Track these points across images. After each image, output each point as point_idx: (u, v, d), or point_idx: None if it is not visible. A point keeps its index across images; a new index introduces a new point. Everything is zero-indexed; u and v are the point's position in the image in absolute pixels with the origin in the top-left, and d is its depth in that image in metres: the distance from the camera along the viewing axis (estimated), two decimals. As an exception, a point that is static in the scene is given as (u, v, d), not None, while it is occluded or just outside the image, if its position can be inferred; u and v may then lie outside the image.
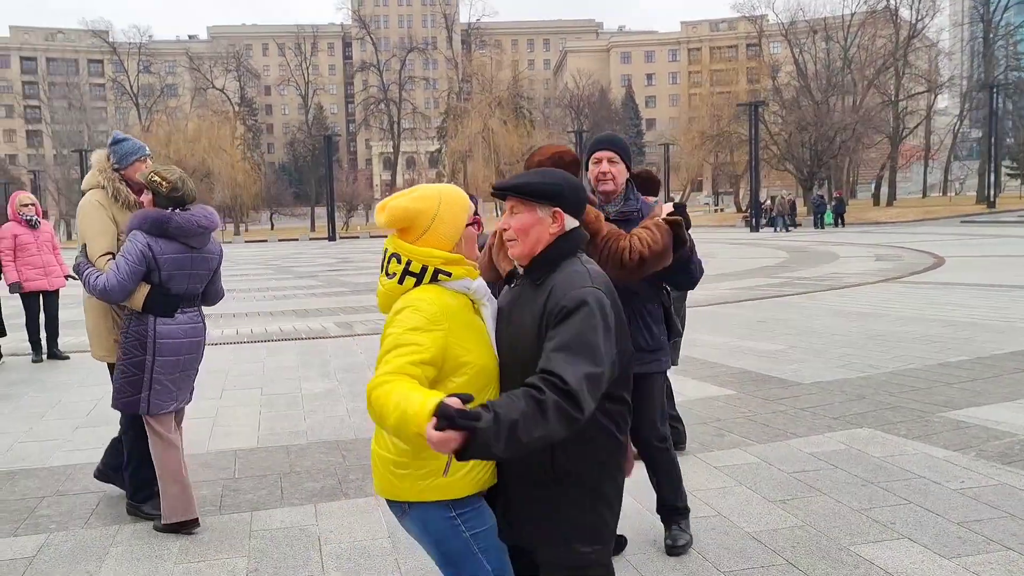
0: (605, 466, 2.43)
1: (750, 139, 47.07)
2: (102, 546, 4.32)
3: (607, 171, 3.91)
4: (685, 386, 7.27)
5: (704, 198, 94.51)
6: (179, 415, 4.74)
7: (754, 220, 44.37)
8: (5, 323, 10.07)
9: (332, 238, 54.08)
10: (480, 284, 2.44)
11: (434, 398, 1.97)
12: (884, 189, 68.31)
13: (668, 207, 3.81)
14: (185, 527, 4.43)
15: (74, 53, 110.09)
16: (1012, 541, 3.96)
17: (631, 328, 3.11)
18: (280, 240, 58.85)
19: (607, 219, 3.78)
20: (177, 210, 4.38)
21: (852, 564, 3.80)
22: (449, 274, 2.37)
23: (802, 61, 67.77)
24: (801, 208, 51.62)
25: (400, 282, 2.36)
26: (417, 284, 2.36)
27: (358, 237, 57.88)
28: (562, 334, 2.20)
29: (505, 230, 2.47)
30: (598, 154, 3.96)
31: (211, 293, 4.68)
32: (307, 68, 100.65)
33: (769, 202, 48.89)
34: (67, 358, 10.01)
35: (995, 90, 50.99)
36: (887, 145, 67.01)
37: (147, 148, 4.85)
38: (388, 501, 2.49)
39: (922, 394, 6.80)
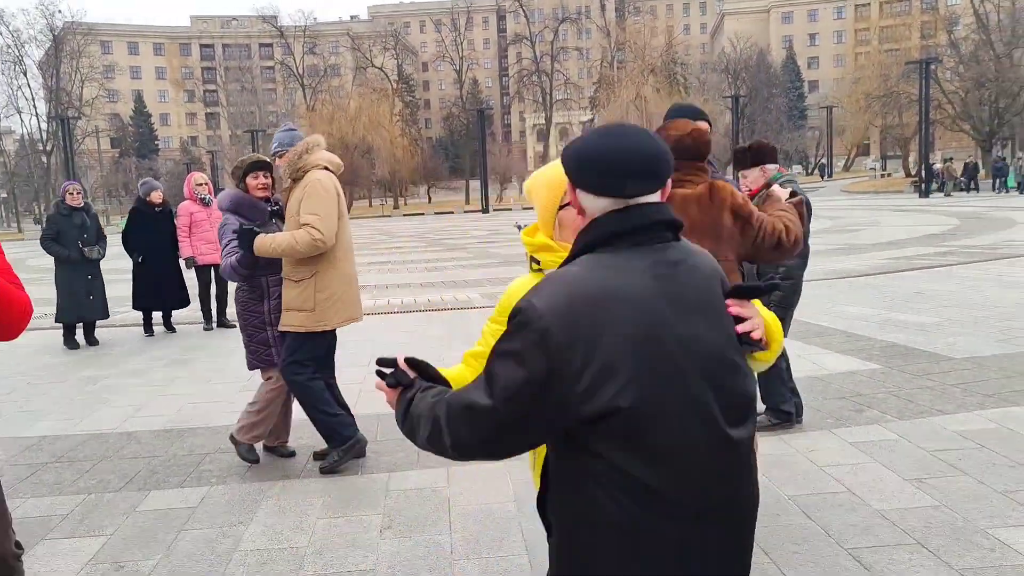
0: (596, 541, 1.65)
1: (920, 98, 44.14)
2: (254, 499, 4.71)
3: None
4: (826, 360, 7.06)
5: (871, 162, 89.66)
6: None
7: (923, 185, 41.76)
8: (188, 293, 10.96)
9: (486, 210, 55.02)
10: None
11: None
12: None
13: (784, 192, 3.81)
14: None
15: (246, 39, 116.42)
16: None
17: None
18: (436, 213, 60.42)
19: None
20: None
21: (988, 547, 3.64)
22: (539, 263, 2.09)
23: (983, 11, 62.64)
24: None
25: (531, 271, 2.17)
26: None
27: (511, 209, 58.61)
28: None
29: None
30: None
31: None
32: (461, 43, 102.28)
33: (940, 165, 45.80)
34: (234, 326, 10.71)
35: None
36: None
37: (272, 148, 5.22)
38: None
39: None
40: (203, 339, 10.27)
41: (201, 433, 6.09)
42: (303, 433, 5.61)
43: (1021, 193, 37.80)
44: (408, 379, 1.87)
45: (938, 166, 45.66)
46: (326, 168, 5.02)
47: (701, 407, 1.61)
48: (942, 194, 40.20)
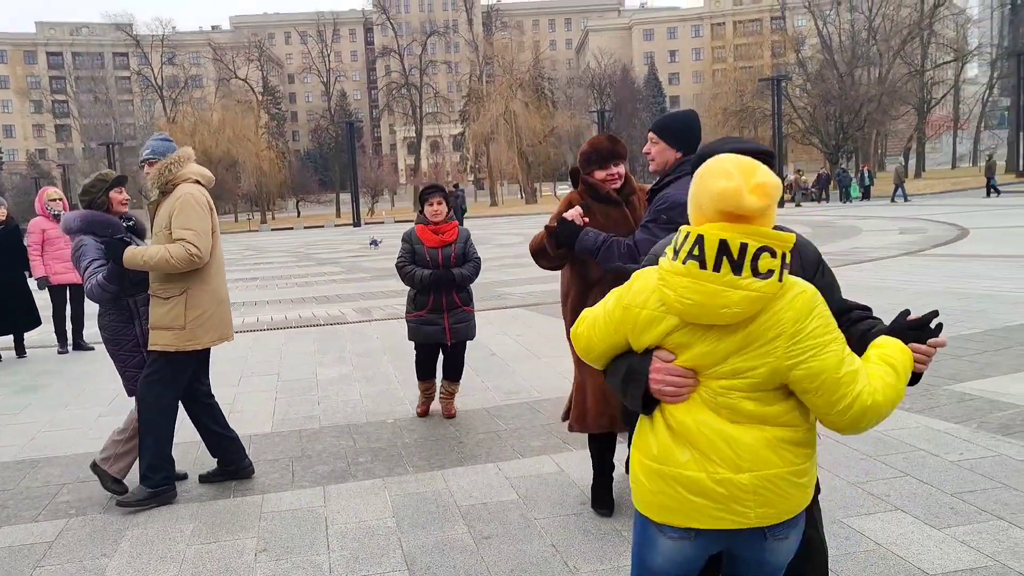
0: None
1: (773, 114, 46.57)
2: (118, 530, 4.49)
3: (647, 150, 4.00)
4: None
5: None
6: None
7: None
8: (39, 314, 10.33)
9: (357, 224, 54.34)
10: None
11: (890, 338, 2.20)
12: (912, 161, 67.41)
13: (573, 212, 4.00)
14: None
15: (99, 47, 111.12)
16: (1003, 511, 4.01)
17: None
18: (306, 227, 59.24)
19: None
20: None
21: (843, 536, 3.87)
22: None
23: (826, 33, 66.82)
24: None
25: (781, 279, 2.00)
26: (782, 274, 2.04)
27: (383, 222, 58.12)
28: (834, 280, 2.55)
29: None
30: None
31: None
32: (328, 55, 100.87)
33: (792, 176, 48.41)
34: (92, 349, 10.25)
35: (1023, 57, 50.02)
36: (914, 116, 66.09)
37: (142, 155, 5.03)
38: (776, 526, 2.13)
39: (930, 367, 6.78)
40: (58, 363, 9.71)
41: (57, 462, 5.74)
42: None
43: (864, 200, 40.57)
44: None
45: (791, 177, 48.24)
46: (197, 182, 4.86)
47: None
48: (794, 204, 42.48)
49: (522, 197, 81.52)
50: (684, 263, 2.01)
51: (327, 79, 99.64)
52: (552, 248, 4.12)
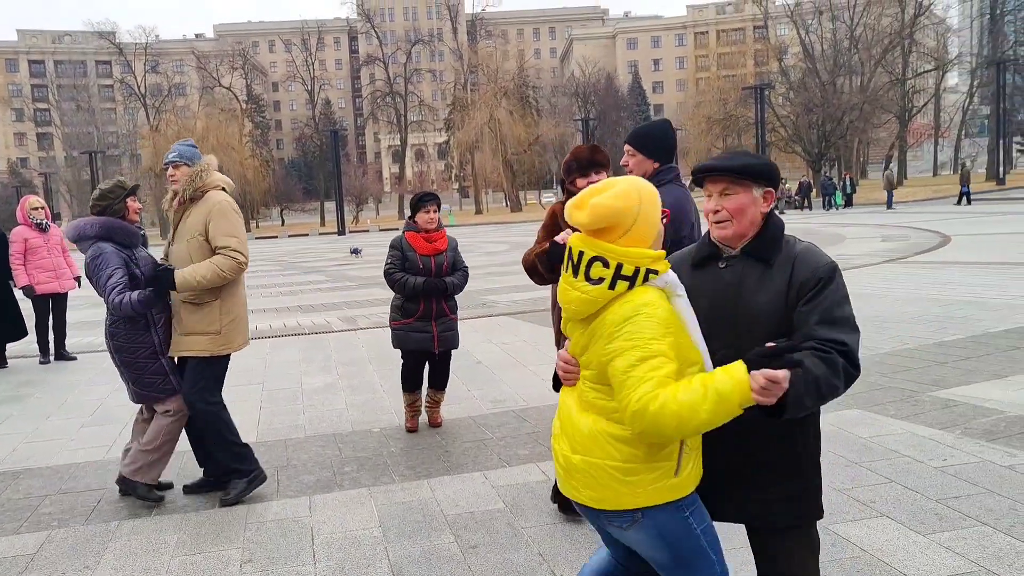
0: (817, 437, 2.57)
1: (756, 122, 46.89)
2: (101, 542, 4.44)
3: (624, 162, 4.09)
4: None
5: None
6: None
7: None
8: (25, 324, 10.23)
9: (342, 232, 54.25)
10: (673, 277, 2.32)
11: (736, 364, 2.12)
12: (894, 168, 67.93)
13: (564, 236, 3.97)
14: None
15: (81, 55, 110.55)
16: (988, 516, 4.03)
17: None
18: (290, 236, 59.08)
19: None
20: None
21: (829, 543, 3.87)
22: (657, 272, 2.27)
23: (808, 42, 67.37)
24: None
25: (612, 287, 2.23)
26: (631, 287, 2.24)
27: (368, 231, 58.04)
28: (824, 303, 2.31)
29: (716, 211, 2.43)
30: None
31: None
32: (313, 63, 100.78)
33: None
34: (74, 359, 10.17)
35: (1003, 66, 50.58)
36: (896, 124, 66.67)
37: (167, 157, 5.02)
38: (609, 513, 2.35)
39: (914, 374, 6.86)
40: (40, 373, 9.61)
41: (40, 474, 5.68)
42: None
43: (846, 207, 40.84)
44: (794, 360, 2.11)
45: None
46: (223, 189, 4.95)
47: None
48: (777, 211, 42.73)
49: (507, 205, 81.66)
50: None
51: (311, 87, 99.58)
52: (545, 271, 4.14)
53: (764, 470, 2.47)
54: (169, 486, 5.20)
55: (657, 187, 3.71)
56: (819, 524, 4.01)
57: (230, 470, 5.00)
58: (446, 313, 6.17)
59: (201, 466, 5.21)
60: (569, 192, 4.29)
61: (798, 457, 2.50)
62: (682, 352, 2.23)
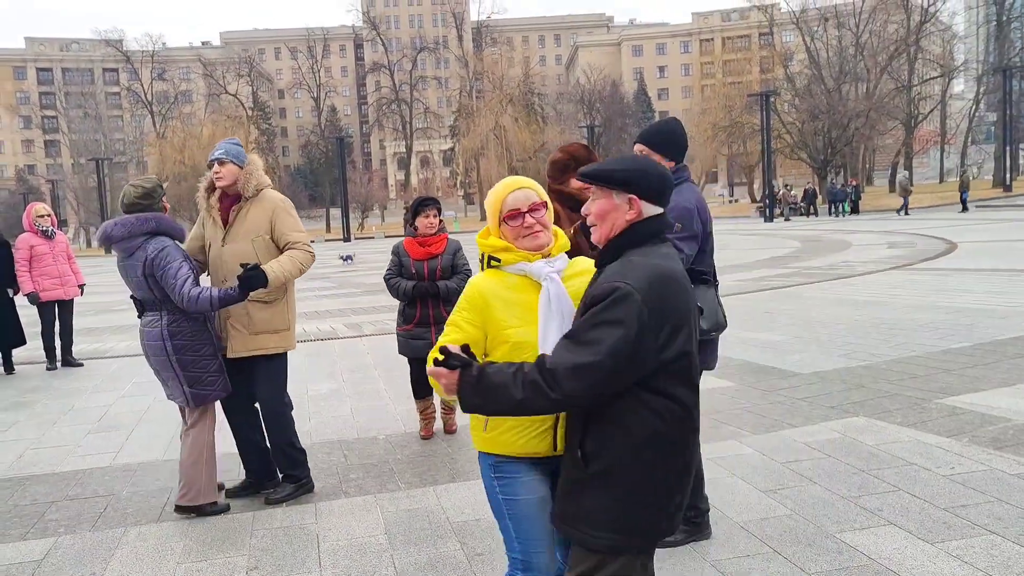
0: (639, 458, 2.32)
1: (762, 129, 46.85)
2: (108, 548, 4.45)
3: None
4: (685, 379, 7.32)
5: (719, 189, 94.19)
6: (189, 412, 4.91)
7: (768, 210, 44.21)
8: (24, 332, 10.26)
9: (347, 239, 54.31)
10: (537, 266, 2.55)
11: (444, 342, 2.43)
12: (907, 174, 67.76)
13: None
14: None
15: (89, 63, 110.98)
16: (996, 525, 4.01)
17: None
18: (296, 243, 59.01)
19: None
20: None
21: (836, 551, 3.86)
22: (499, 260, 2.60)
23: (814, 49, 67.29)
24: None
25: (481, 269, 2.67)
26: (482, 270, 2.66)
27: (373, 237, 58.12)
28: (580, 321, 2.32)
29: (587, 216, 2.51)
30: (635, 147, 4.06)
31: (169, 299, 4.74)
32: (319, 71, 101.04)
33: (781, 191, 48.58)
34: (81, 365, 10.19)
35: (1009, 73, 50.49)
36: (902, 131, 66.53)
37: (214, 154, 4.97)
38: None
39: (921, 381, 6.83)
40: (46, 379, 9.63)
41: (46, 480, 5.69)
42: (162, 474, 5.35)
43: (851, 215, 40.71)
44: (466, 360, 2.32)
45: (781, 192, 48.46)
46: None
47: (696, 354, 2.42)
48: (783, 219, 42.67)
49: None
50: None
51: (317, 94, 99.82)
52: (588, 246, 4.01)
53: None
54: (221, 486, 5.18)
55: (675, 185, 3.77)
56: (827, 532, 4.03)
57: (272, 473, 5.14)
58: (445, 319, 6.16)
59: (246, 469, 5.22)
60: (556, 191, 4.19)
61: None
62: (491, 328, 2.54)
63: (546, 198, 2.66)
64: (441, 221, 6.25)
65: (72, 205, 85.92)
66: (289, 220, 4.95)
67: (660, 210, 2.45)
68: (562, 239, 2.68)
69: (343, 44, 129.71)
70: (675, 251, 2.50)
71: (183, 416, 4.96)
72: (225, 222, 4.94)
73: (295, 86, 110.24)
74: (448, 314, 6.17)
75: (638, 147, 4.03)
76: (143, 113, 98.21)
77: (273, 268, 4.73)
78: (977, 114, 72.90)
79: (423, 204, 6.15)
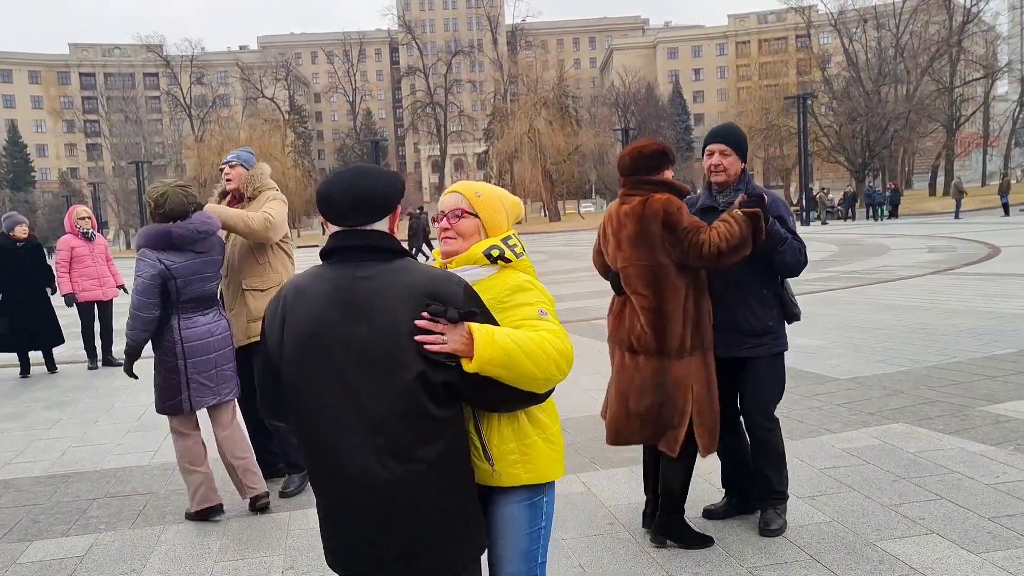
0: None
1: (799, 132, 46.37)
2: (147, 545, 4.50)
3: (719, 163, 4.08)
4: (721, 383, 7.25)
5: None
6: (228, 409, 4.92)
7: (805, 214, 43.74)
8: (63, 332, 10.44)
9: (382, 242, 54.59)
10: (470, 272, 2.47)
11: None
12: (940, 178, 66.73)
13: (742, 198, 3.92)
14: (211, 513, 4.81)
15: (130, 68, 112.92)
16: (1042, 535, 3.92)
17: (736, 311, 4.05)
18: (331, 245, 59.46)
19: (718, 209, 4.06)
20: (177, 222, 4.61)
21: (876, 559, 3.80)
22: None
23: (852, 51, 66.55)
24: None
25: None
26: None
27: (406, 240, 58.35)
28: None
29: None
30: (710, 147, 4.13)
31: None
32: (354, 74, 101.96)
33: (821, 194, 48.00)
34: (120, 364, 10.32)
35: (1054, 74, 49.52)
36: (943, 134, 65.52)
37: (226, 159, 5.35)
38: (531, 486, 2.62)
39: (963, 388, 6.71)
40: (87, 378, 9.80)
41: (88, 477, 5.78)
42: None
43: (890, 219, 40.12)
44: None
45: (818, 195, 47.93)
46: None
47: (351, 393, 2.07)
48: (820, 222, 42.18)
49: (546, 215, 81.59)
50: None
51: (353, 98, 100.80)
52: (760, 229, 3.82)
53: None
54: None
55: (745, 187, 4.04)
56: (867, 540, 3.96)
57: (274, 470, 5.29)
58: None
59: (264, 471, 5.26)
60: (664, 183, 3.95)
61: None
62: None
63: (477, 210, 2.51)
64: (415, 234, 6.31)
65: (112, 208, 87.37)
66: (270, 203, 5.10)
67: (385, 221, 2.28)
68: (472, 253, 2.44)
69: (379, 48, 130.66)
70: None
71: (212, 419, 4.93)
72: None
73: (331, 90, 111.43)
74: None
75: (719, 146, 4.08)
76: (182, 117, 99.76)
77: (218, 207, 4.95)
78: (1021, 116, 71.61)
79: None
